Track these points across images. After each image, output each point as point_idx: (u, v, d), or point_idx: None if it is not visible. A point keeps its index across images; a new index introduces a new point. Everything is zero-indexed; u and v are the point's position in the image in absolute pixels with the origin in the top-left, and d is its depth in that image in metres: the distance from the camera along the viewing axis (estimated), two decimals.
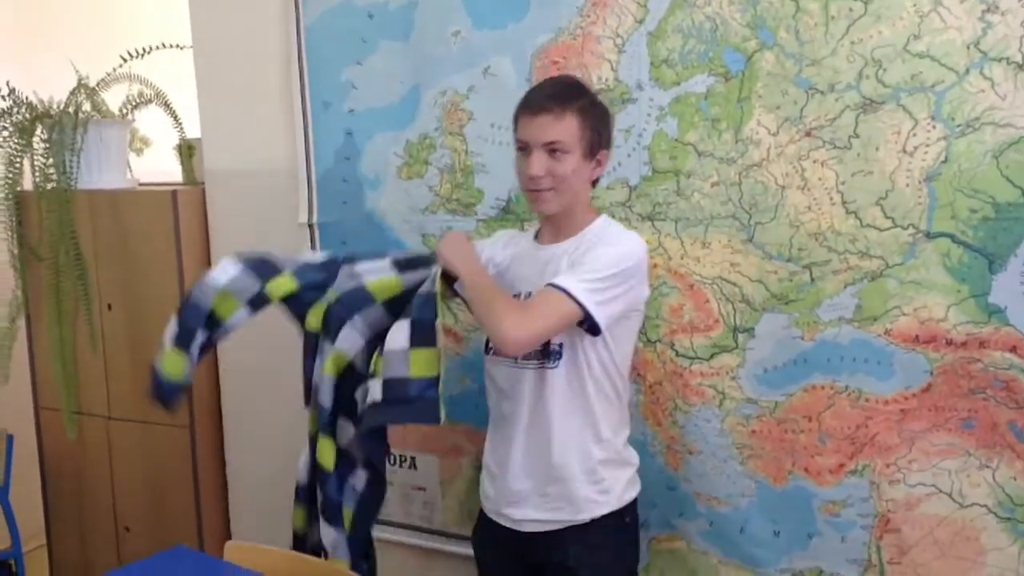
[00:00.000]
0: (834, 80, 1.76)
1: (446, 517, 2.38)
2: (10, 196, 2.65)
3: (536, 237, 1.83)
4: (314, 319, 1.85)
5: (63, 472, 2.91)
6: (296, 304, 1.88)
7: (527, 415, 1.74)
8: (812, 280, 1.84)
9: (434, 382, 1.70)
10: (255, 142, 2.47)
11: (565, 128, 1.64)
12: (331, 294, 1.83)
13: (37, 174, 2.60)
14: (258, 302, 1.86)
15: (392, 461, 2.42)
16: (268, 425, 2.64)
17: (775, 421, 1.92)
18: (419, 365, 1.70)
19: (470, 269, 1.70)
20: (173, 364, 1.84)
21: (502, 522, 1.81)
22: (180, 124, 2.73)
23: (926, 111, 1.69)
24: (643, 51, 1.91)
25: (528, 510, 1.77)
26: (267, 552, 1.87)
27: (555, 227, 1.76)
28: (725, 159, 1.87)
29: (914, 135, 1.71)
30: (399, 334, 1.71)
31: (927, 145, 1.70)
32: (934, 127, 1.69)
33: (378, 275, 1.81)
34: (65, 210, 2.59)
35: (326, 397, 1.84)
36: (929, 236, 1.73)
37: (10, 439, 2.68)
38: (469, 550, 2.01)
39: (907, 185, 1.73)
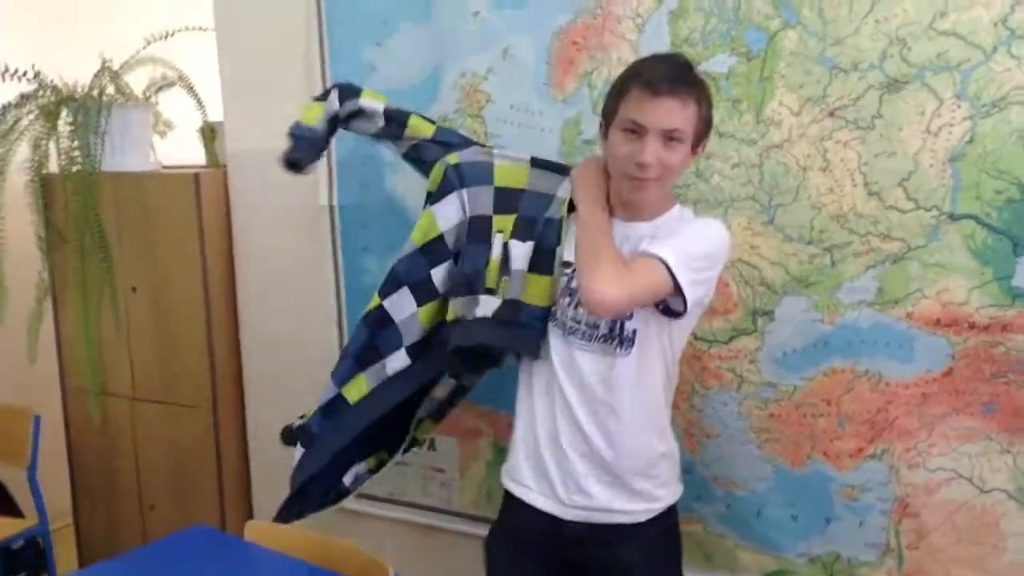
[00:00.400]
0: (858, 59, 1.73)
1: (464, 499, 2.39)
2: (36, 179, 2.68)
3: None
4: (432, 181, 1.85)
5: (89, 451, 2.95)
6: (421, 151, 1.90)
7: (589, 402, 1.66)
8: (833, 263, 1.82)
9: (544, 313, 1.69)
10: (276, 124, 2.44)
11: (688, 117, 1.53)
12: (452, 157, 1.82)
13: (62, 157, 2.62)
14: (396, 119, 1.89)
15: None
16: (290, 406, 2.65)
17: (794, 405, 1.91)
18: (534, 292, 1.69)
19: (589, 207, 1.63)
20: (311, 111, 1.90)
21: (556, 512, 1.71)
22: (203, 107, 2.75)
23: (951, 90, 1.67)
24: (664, 30, 1.89)
25: (592, 501, 1.69)
26: (287, 532, 1.88)
27: (633, 207, 1.65)
28: (746, 140, 1.86)
29: (939, 115, 1.68)
30: (519, 252, 1.70)
31: (952, 125, 1.68)
32: (959, 107, 1.67)
33: (510, 160, 1.80)
34: (89, 193, 2.61)
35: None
36: (953, 218, 1.71)
37: (37, 419, 2.71)
38: (487, 531, 2.01)
39: (931, 166, 1.71)
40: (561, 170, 1.79)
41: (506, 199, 1.77)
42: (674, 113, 1.52)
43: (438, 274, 1.82)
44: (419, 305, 1.83)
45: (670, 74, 1.53)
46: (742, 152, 1.86)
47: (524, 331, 1.70)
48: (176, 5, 2.76)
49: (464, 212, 1.79)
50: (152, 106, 2.77)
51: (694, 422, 2.01)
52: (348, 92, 1.91)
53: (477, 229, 1.78)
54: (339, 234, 2.40)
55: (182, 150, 2.99)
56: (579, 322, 1.66)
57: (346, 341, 2.46)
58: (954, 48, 1.65)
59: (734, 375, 1.95)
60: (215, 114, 2.69)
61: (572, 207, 1.71)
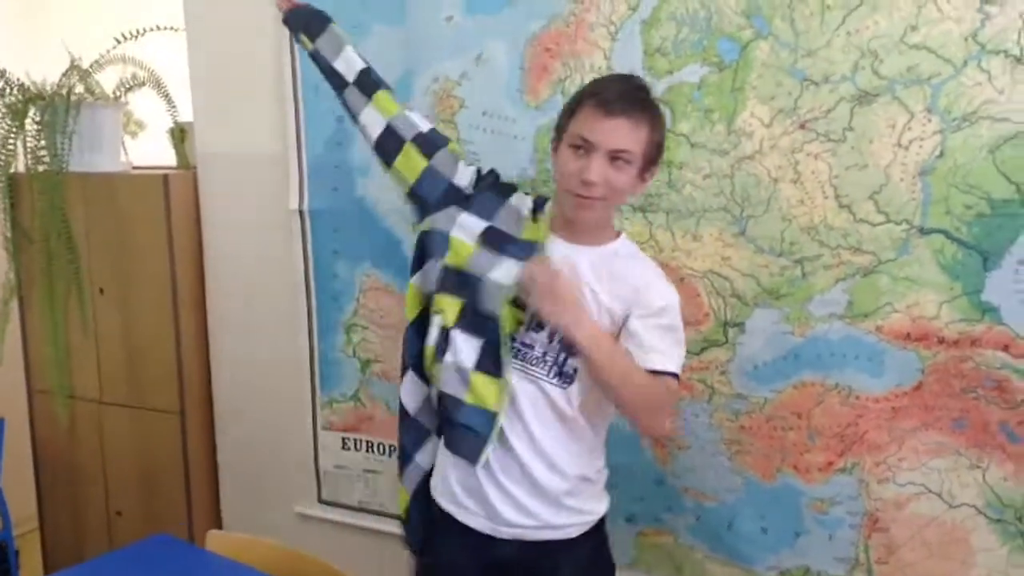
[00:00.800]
0: (829, 71, 1.72)
1: None
2: (2, 178, 2.63)
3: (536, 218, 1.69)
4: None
5: (55, 455, 2.90)
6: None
7: (519, 424, 1.62)
8: (803, 275, 1.81)
9: (491, 418, 1.60)
10: (246, 126, 2.45)
11: (638, 139, 1.51)
12: (425, 223, 1.73)
13: (29, 156, 2.58)
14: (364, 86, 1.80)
15: (382, 451, 2.41)
16: (258, 412, 2.63)
17: (764, 417, 1.90)
18: (480, 393, 1.61)
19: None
20: None
21: (488, 531, 1.66)
22: (174, 107, 2.71)
23: (922, 104, 1.66)
24: (636, 39, 1.88)
25: (524, 519, 1.64)
26: (249, 542, 1.86)
27: (575, 227, 1.62)
28: (718, 150, 1.84)
29: (909, 128, 1.68)
30: (466, 347, 1.63)
31: (922, 139, 1.67)
32: (930, 120, 1.66)
33: (464, 233, 1.68)
34: (56, 193, 2.57)
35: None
36: (923, 232, 1.70)
37: (1, 422, 2.67)
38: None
39: (901, 179, 1.70)
40: (506, 248, 1.66)
41: (451, 279, 1.68)
42: (624, 133, 1.50)
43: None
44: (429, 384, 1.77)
45: (624, 94, 1.52)
46: (714, 163, 1.85)
47: (462, 433, 1.63)
48: (147, 4, 2.72)
49: (425, 287, 1.74)
50: (122, 106, 2.73)
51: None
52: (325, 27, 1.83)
53: (427, 307, 1.73)
54: (310, 238, 2.38)
55: (155, 151, 2.96)
56: (515, 340, 1.62)
57: (316, 346, 2.44)
58: (925, 62, 1.65)
59: (705, 386, 1.94)
60: (187, 115, 2.66)
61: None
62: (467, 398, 1.63)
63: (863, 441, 1.83)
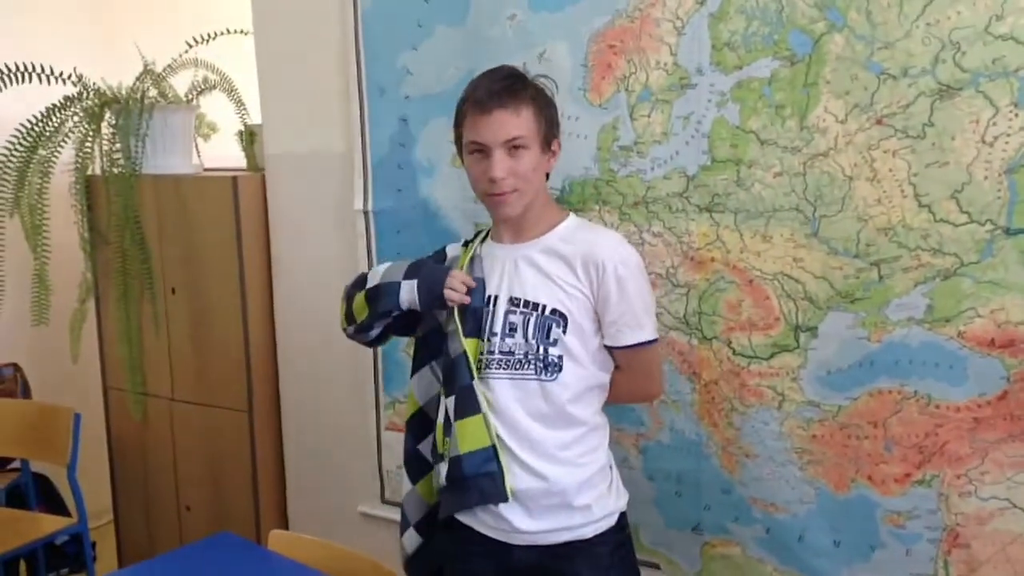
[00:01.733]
0: (908, 64, 1.64)
1: None
2: (80, 180, 2.71)
3: (491, 238, 1.74)
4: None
5: (129, 451, 2.98)
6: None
7: (514, 430, 1.62)
8: (880, 278, 1.73)
9: (489, 452, 1.61)
10: (313, 128, 2.47)
11: (523, 122, 1.56)
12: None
13: (105, 159, 2.64)
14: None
15: None
16: (324, 411, 2.65)
17: (838, 426, 1.82)
18: (467, 438, 1.62)
19: None
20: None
21: (504, 539, 1.66)
22: (244, 109, 2.75)
23: (1008, 98, 1.57)
24: (704, 34, 1.82)
25: (536, 524, 1.63)
26: (309, 542, 1.86)
27: (517, 228, 1.68)
28: (789, 148, 1.77)
29: (994, 124, 1.58)
30: (448, 407, 1.66)
31: (1008, 135, 1.58)
32: (1016, 115, 1.56)
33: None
34: (130, 194, 2.64)
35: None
36: (1008, 232, 1.60)
37: (77, 417, 2.74)
38: None
39: (986, 177, 1.61)
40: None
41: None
42: (508, 123, 1.55)
43: (425, 447, 1.82)
44: (413, 483, 1.85)
45: (494, 88, 1.57)
46: (785, 160, 1.78)
47: (478, 482, 1.62)
48: (217, 8, 2.77)
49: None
50: (194, 109, 2.78)
51: (732, 440, 1.93)
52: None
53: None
54: (374, 239, 2.38)
55: (228, 153, 3.01)
56: (493, 352, 1.64)
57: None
58: (1011, 53, 1.55)
59: (775, 393, 1.87)
60: (256, 117, 2.69)
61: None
62: (461, 448, 1.62)
63: (943, 452, 1.74)
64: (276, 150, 2.57)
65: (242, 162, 2.84)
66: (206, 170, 2.89)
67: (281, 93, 2.51)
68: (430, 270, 1.70)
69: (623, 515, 1.73)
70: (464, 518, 1.70)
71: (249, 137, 2.73)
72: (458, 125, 1.64)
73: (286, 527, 2.78)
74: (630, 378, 1.72)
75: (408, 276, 1.69)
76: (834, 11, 1.69)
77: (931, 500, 1.76)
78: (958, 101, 1.61)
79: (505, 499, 1.61)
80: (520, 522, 1.63)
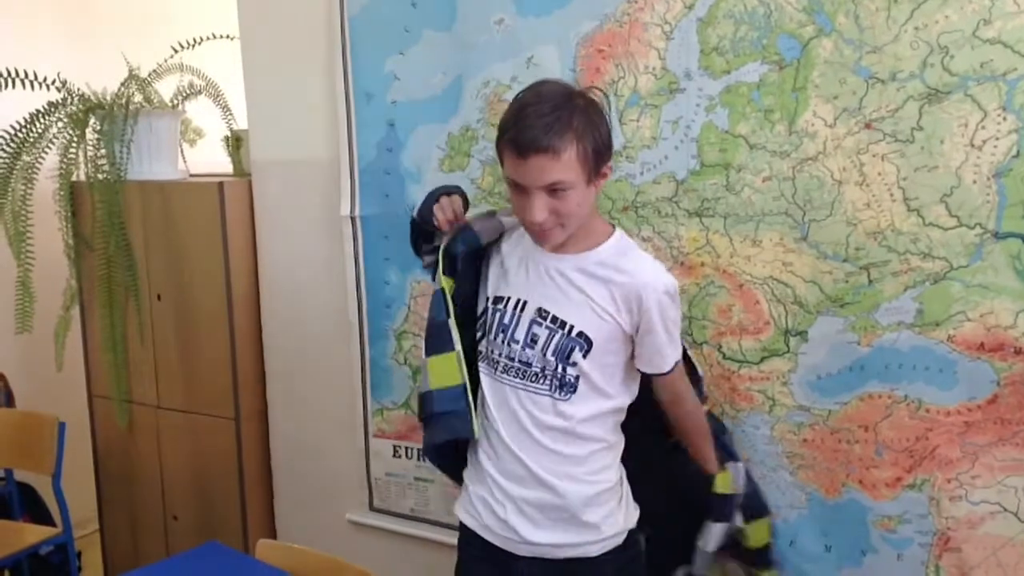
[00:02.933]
0: (896, 68, 1.64)
1: None
2: (64, 186, 2.68)
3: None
4: None
5: (114, 459, 2.95)
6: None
7: (527, 442, 1.63)
8: (870, 282, 1.73)
9: (458, 391, 1.62)
10: (300, 134, 2.45)
11: (566, 165, 1.46)
12: None
13: (89, 164, 2.62)
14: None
15: None
16: (312, 418, 2.63)
17: (828, 430, 1.82)
18: (438, 374, 1.63)
19: None
20: None
21: (509, 548, 1.66)
22: (230, 115, 2.73)
23: (996, 101, 1.57)
24: (692, 38, 1.82)
25: (540, 537, 1.64)
26: (298, 552, 1.84)
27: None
28: (778, 152, 1.77)
29: (983, 128, 1.59)
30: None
31: (997, 138, 1.58)
32: (1005, 119, 1.57)
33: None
34: (115, 200, 2.61)
35: None
36: (997, 236, 1.61)
37: (62, 426, 2.71)
38: None
39: (974, 181, 1.61)
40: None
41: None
42: (548, 169, 1.46)
43: None
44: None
45: (534, 133, 1.45)
46: (774, 165, 1.78)
47: (447, 419, 1.65)
48: (205, 12, 2.75)
49: None
50: (179, 114, 2.76)
51: None
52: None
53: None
54: (361, 244, 2.36)
55: (214, 158, 2.99)
56: (512, 359, 1.63)
57: (367, 353, 2.42)
58: (999, 57, 1.55)
59: (765, 398, 1.87)
60: (243, 122, 2.67)
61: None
62: (432, 384, 1.65)
63: (933, 456, 1.74)
64: (262, 155, 2.55)
65: (228, 168, 2.82)
66: (192, 176, 2.87)
67: (267, 98, 2.49)
68: (443, 188, 1.75)
69: (632, 532, 1.71)
70: (470, 523, 1.71)
71: (235, 142, 2.71)
72: (498, 152, 1.56)
73: (274, 536, 2.76)
74: (672, 401, 1.71)
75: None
76: (822, 15, 1.69)
77: (922, 504, 1.76)
78: (947, 105, 1.61)
79: (473, 435, 1.64)
80: (526, 532, 1.63)
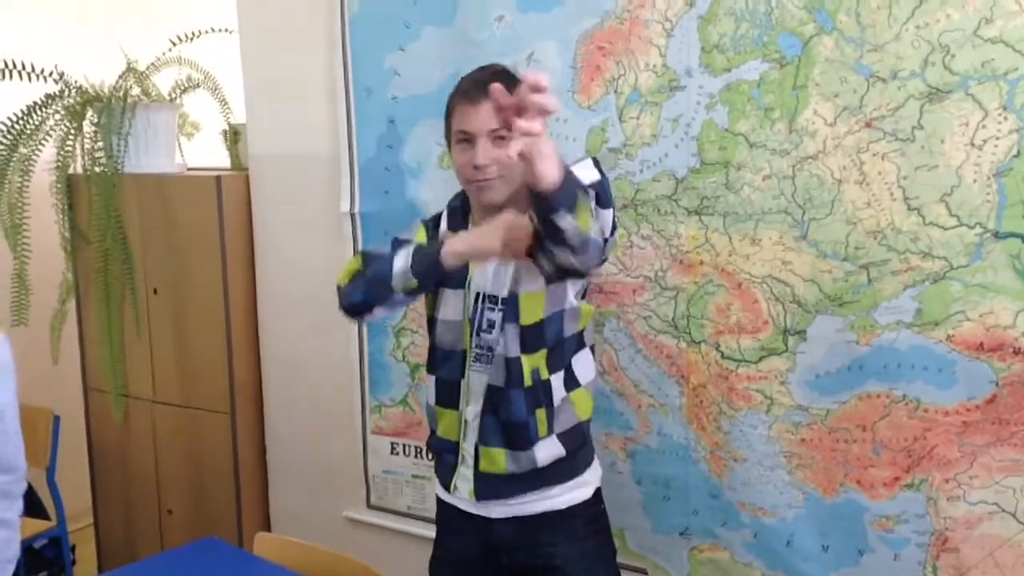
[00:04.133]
0: (897, 67, 1.63)
1: None
2: (61, 179, 2.67)
3: (472, 224, 1.70)
4: None
5: (110, 453, 2.94)
6: None
7: (490, 418, 1.66)
8: (869, 281, 1.72)
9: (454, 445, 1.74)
10: (299, 129, 2.44)
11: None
12: None
13: (86, 157, 2.61)
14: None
15: (431, 457, 2.37)
16: (308, 414, 2.62)
17: (826, 430, 1.82)
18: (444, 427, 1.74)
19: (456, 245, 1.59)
20: None
21: (482, 512, 1.71)
22: (228, 108, 2.72)
23: (997, 101, 1.56)
24: (693, 36, 1.81)
25: (511, 499, 1.69)
26: (296, 546, 1.84)
27: (495, 214, 1.59)
28: (778, 151, 1.77)
29: (983, 127, 1.58)
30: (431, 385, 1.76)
31: (997, 138, 1.57)
32: (1005, 118, 1.56)
33: None
34: (111, 194, 2.60)
35: None
36: (998, 236, 1.60)
37: (56, 419, 2.70)
38: None
39: (975, 181, 1.60)
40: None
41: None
42: (494, 113, 1.45)
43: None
44: None
45: (482, 80, 1.54)
46: (774, 163, 1.77)
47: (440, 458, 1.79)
48: (202, 6, 2.74)
49: None
50: (177, 108, 2.75)
51: (721, 444, 1.93)
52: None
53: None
54: (360, 242, 2.36)
55: (212, 152, 2.98)
56: (482, 348, 1.65)
57: (365, 350, 2.41)
58: (1000, 56, 1.55)
59: (763, 397, 1.87)
60: (241, 116, 2.66)
61: None
62: (438, 430, 1.73)
63: (931, 456, 1.73)
64: (260, 150, 2.54)
65: (226, 162, 2.82)
66: (189, 169, 2.86)
67: (266, 92, 2.49)
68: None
69: (598, 489, 1.75)
70: (445, 496, 1.77)
71: (233, 136, 2.71)
72: (447, 119, 1.65)
73: (269, 532, 2.75)
74: None
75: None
76: (823, 13, 1.68)
77: (920, 504, 1.75)
78: (947, 104, 1.60)
79: (449, 490, 1.73)
80: (497, 485, 1.67)
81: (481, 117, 1.56)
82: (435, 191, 2.20)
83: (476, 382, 1.66)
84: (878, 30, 1.64)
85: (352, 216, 2.34)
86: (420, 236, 1.75)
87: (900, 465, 1.76)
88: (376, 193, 2.31)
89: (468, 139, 1.59)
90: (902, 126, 1.65)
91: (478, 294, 1.65)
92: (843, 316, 1.76)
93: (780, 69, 1.74)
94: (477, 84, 1.57)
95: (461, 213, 1.73)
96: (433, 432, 1.77)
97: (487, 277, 1.65)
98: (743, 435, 1.89)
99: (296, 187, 2.49)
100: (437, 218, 1.78)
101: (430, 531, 2.39)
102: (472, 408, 1.67)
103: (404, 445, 2.41)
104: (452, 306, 1.67)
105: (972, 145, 1.60)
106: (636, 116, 1.90)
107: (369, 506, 2.53)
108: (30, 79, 2.51)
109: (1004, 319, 1.62)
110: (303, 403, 2.62)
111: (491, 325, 1.63)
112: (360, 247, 2.36)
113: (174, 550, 1.93)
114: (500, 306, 1.62)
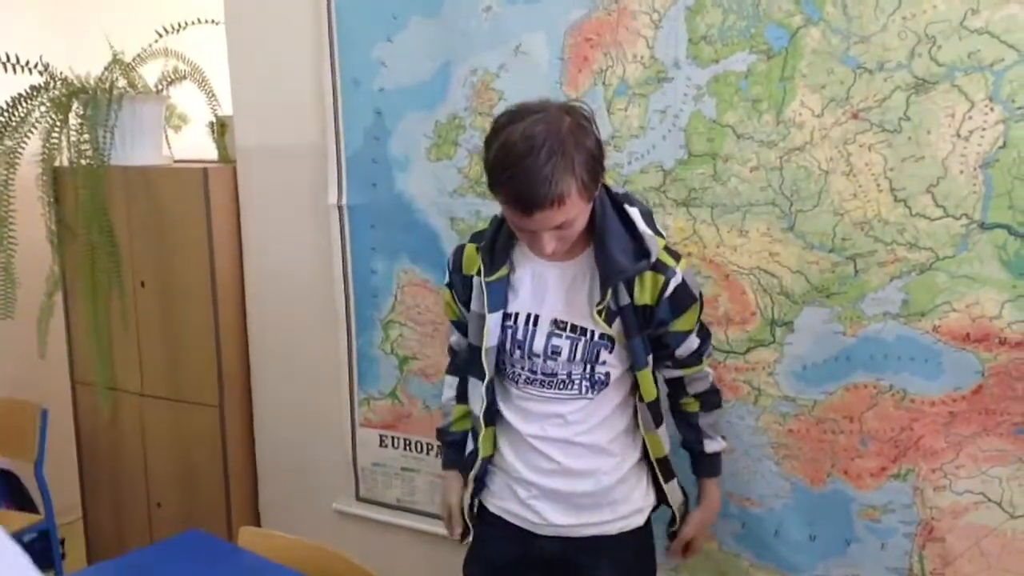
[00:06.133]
0: (884, 58, 1.64)
1: None
2: (47, 171, 2.65)
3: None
4: None
5: (98, 447, 2.93)
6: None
7: (547, 440, 1.64)
8: (856, 272, 1.73)
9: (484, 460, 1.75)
10: (286, 121, 2.43)
11: (568, 208, 1.41)
12: None
13: (72, 150, 2.59)
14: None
15: (420, 449, 2.37)
16: (296, 407, 2.62)
17: (814, 420, 1.83)
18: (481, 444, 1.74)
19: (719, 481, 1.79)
20: None
21: (528, 528, 1.69)
22: (215, 100, 2.70)
23: (983, 92, 1.57)
24: (681, 27, 1.81)
25: (562, 522, 1.67)
26: (281, 539, 1.83)
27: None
28: (765, 142, 1.77)
29: (970, 118, 1.59)
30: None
31: (984, 129, 1.58)
32: (992, 109, 1.57)
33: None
34: (98, 186, 2.58)
35: None
36: (984, 227, 1.61)
37: (44, 413, 2.68)
38: None
39: (961, 172, 1.61)
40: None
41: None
42: (553, 216, 1.41)
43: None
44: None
45: (534, 188, 1.37)
46: (761, 155, 1.77)
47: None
48: None
49: None
50: (164, 99, 2.73)
51: None
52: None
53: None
54: (348, 234, 2.35)
55: (199, 144, 2.97)
56: (535, 372, 1.62)
57: (354, 342, 2.41)
58: (987, 47, 1.55)
59: (751, 388, 1.87)
60: (228, 108, 2.65)
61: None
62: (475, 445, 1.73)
63: (918, 446, 1.74)
64: (248, 142, 2.53)
65: (213, 154, 2.80)
66: (176, 162, 2.84)
67: (253, 84, 2.47)
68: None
69: (650, 517, 1.74)
70: (491, 507, 1.73)
71: (220, 128, 2.69)
72: (491, 188, 1.46)
73: (258, 525, 2.75)
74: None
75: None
76: (810, 5, 1.68)
77: (906, 494, 1.77)
78: (934, 95, 1.61)
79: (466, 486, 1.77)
80: (552, 516, 1.66)
81: (539, 223, 1.43)
82: (423, 183, 2.19)
83: None
84: (865, 21, 1.64)
85: (339, 208, 2.33)
86: (472, 263, 1.66)
87: (887, 455, 1.77)
88: (363, 186, 2.30)
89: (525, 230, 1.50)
90: (889, 117, 1.65)
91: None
92: (830, 307, 1.77)
93: (767, 60, 1.74)
94: (529, 194, 1.38)
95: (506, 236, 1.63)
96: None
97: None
98: (730, 426, 1.90)
99: (283, 179, 2.48)
100: (481, 235, 1.68)
101: (419, 523, 2.41)
102: None
103: (393, 438, 2.41)
104: None
105: (958, 136, 1.60)
106: (624, 108, 1.89)
107: (358, 499, 2.52)
108: (15, 71, 2.48)
109: (990, 310, 1.63)
110: (292, 396, 2.61)
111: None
112: (348, 239, 2.34)
113: (159, 543, 1.92)
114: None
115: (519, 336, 1.61)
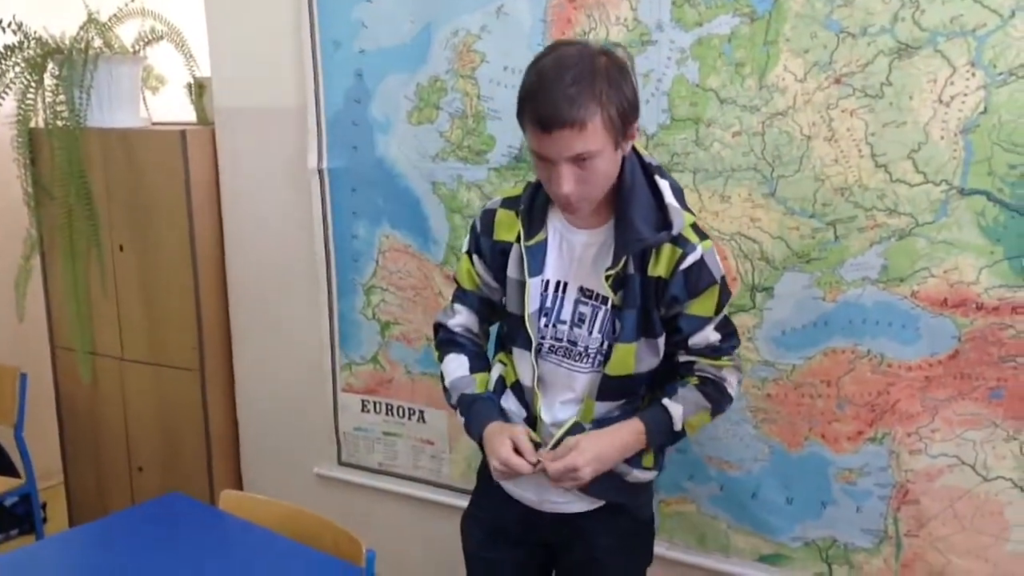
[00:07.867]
0: (867, 23, 1.63)
1: (453, 471, 2.34)
2: (22, 133, 2.61)
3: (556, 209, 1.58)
4: None
5: (79, 411, 2.92)
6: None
7: (561, 410, 1.60)
8: (836, 238, 1.73)
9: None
10: (265, 82, 2.40)
11: (590, 135, 1.37)
12: None
13: (47, 111, 2.55)
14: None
15: (401, 414, 2.38)
16: (278, 371, 2.61)
17: (792, 385, 1.84)
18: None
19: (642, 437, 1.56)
20: None
21: (532, 504, 1.66)
22: (193, 61, 2.67)
23: (965, 57, 1.56)
24: None
25: (565, 497, 1.64)
26: (262, 502, 1.84)
27: (594, 210, 1.53)
28: (748, 107, 1.76)
29: (951, 83, 1.58)
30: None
31: (965, 94, 1.58)
32: (973, 75, 1.56)
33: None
34: (74, 148, 2.55)
35: None
36: (963, 193, 1.61)
37: (23, 377, 2.67)
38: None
39: (942, 137, 1.61)
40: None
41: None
42: (572, 141, 1.37)
43: None
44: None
45: (557, 106, 1.35)
46: (744, 119, 1.77)
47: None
48: None
49: None
50: (141, 60, 2.69)
51: None
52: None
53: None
54: (329, 198, 2.33)
55: (178, 106, 2.93)
56: (560, 339, 1.58)
57: (335, 307, 2.40)
58: (969, 12, 1.55)
59: None
60: (206, 69, 2.61)
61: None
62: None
63: (894, 410, 1.76)
64: (226, 103, 2.50)
65: (191, 116, 2.77)
66: (154, 124, 2.81)
67: (231, 45, 2.43)
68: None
69: (652, 491, 1.73)
70: (509, 490, 1.67)
71: (198, 90, 2.66)
72: (519, 119, 1.45)
73: (240, 488, 2.75)
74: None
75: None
76: None
77: (882, 458, 1.79)
78: (916, 60, 1.60)
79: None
80: (567, 506, 1.63)
81: (558, 146, 1.39)
82: (404, 147, 2.17)
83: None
84: None
85: (320, 172, 2.31)
86: (509, 228, 1.61)
87: (864, 419, 1.79)
88: (344, 148, 2.28)
89: (546, 159, 1.43)
90: (871, 82, 1.65)
91: None
92: (810, 273, 1.77)
93: (751, 24, 1.73)
94: (551, 112, 1.36)
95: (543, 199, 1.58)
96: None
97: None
98: None
99: (263, 142, 2.45)
100: (517, 200, 1.61)
101: (401, 487, 2.43)
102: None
103: (375, 403, 2.41)
104: None
105: (940, 102, 1.60)
106: None
107: (340, 463, 2.53)
108: None
109: (968, 275, 1.64)
110: (273, 360, 2.61)
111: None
112: (328, 203, 2.33)
113: (139, 506, 1.93)
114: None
115: (548, 304, 1.58)
